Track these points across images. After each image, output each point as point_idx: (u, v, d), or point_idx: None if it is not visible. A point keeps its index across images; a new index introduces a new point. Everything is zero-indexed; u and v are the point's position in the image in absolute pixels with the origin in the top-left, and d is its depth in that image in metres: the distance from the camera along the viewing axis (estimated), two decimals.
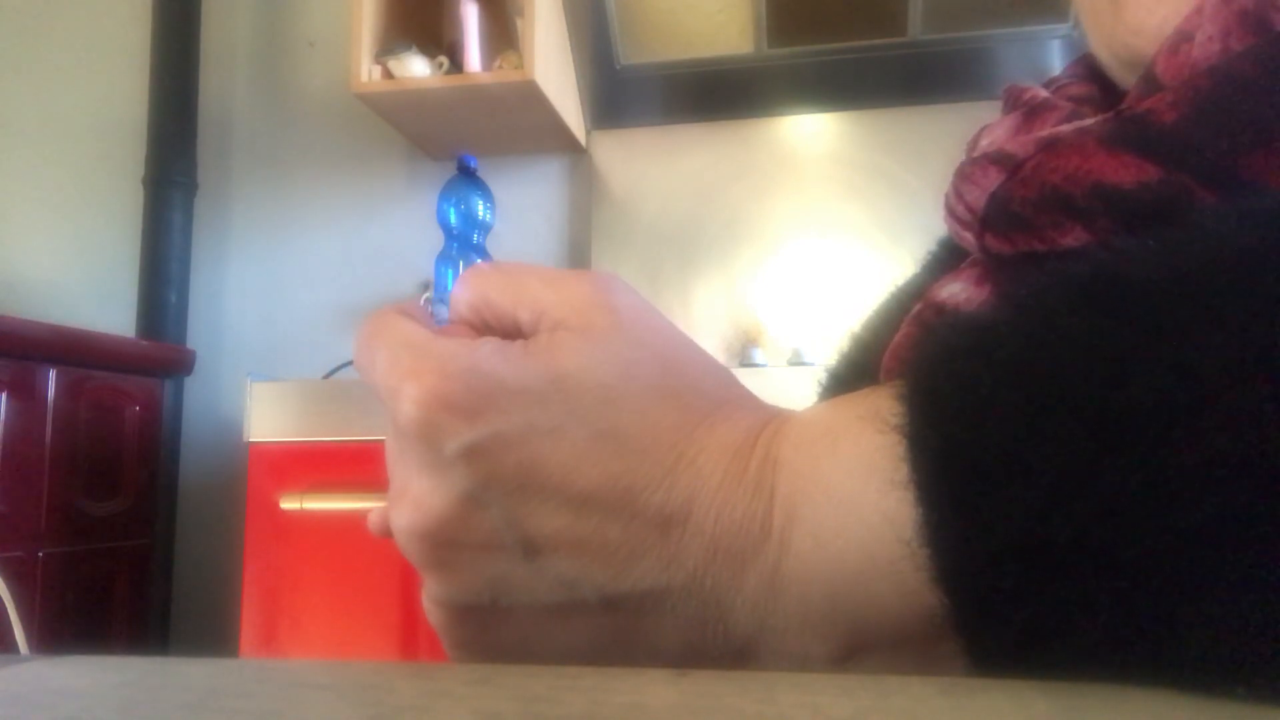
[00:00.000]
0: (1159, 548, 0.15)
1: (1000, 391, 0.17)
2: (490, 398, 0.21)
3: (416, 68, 1.56)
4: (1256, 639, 0.15)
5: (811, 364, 1.53)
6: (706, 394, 0.23)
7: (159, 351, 1.71)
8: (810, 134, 1.70)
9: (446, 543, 0.21)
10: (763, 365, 1.56)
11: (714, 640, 0.21)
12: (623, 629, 0.21)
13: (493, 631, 0.22)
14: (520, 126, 1.67)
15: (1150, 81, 0.28)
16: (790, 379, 1.30)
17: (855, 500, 0.19)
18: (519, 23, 1.53)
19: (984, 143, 0.35)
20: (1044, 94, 0.35)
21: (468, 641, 0.23)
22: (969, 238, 0.32)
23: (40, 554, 1.39)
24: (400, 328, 0.23)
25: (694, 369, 0.23)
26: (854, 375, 0.40)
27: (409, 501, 0.22)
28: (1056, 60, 1.59)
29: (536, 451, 0.21)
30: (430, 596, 0.22)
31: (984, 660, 0.18)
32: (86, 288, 1.90)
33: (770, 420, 0.22)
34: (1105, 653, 0.16)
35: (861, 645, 0.19)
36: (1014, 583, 0.16)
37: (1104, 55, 0.35)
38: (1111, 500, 0.16)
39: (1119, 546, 0.16)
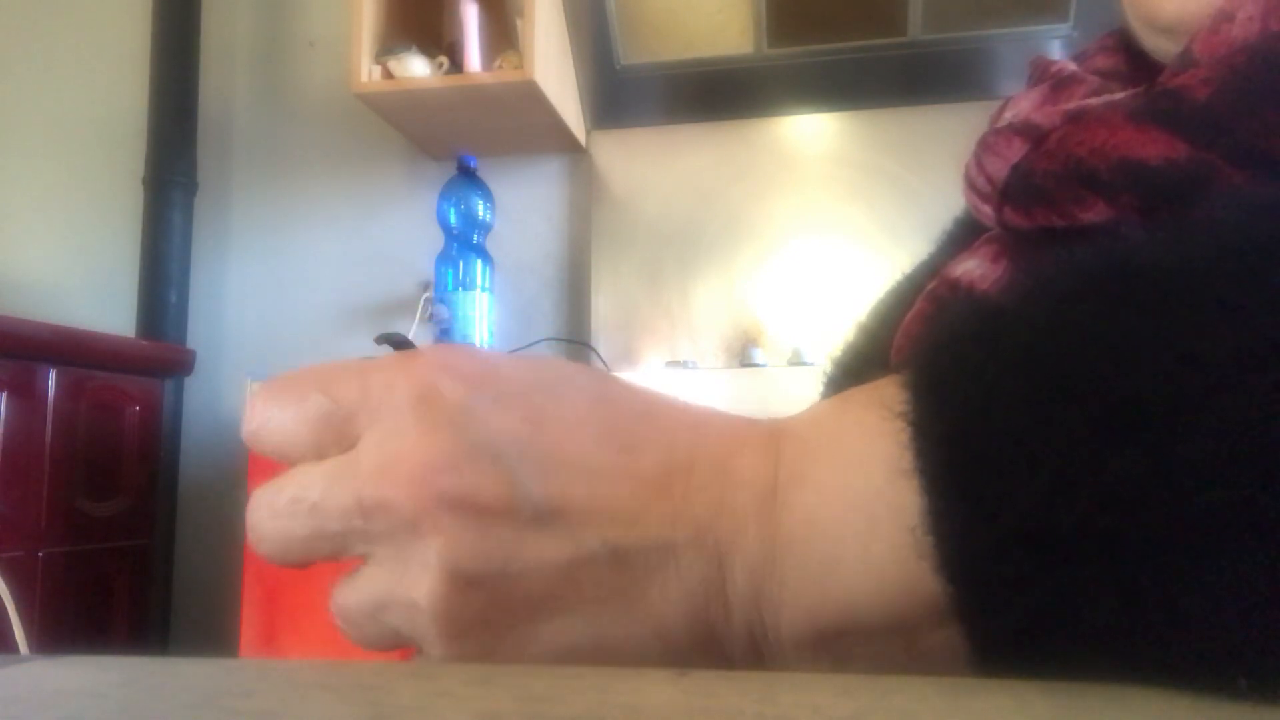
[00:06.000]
0: (1162, 535, 0.15)
1: (1005, 379, 0.17)
2: (491, 371, 0.21)
3: (416, 68, 1.56)
4: (1259, 629, 0.15)
5: (811, 364, 1.53)
6: (692, 404, 0.23)
7: (159, 351, 1.71)
8: (810, 134, 1.70)
9: (455, 500, 0.20)
10: (763, 365, 1.56)
11: (716, 606, 0.20)
12: (630, 594, 0.20)
13: (498, 606, 0.21)
14: (520, 126, 1.67)
15: (1187, 60, 0.28)
16: (790, 379, 1.30)
17: (859, 479, 0.19)
18: (519, 23, 1.53)
19: (1009, 114, 0.34)
20: (1072, 67, 0.35)
21: (470, 618, 0.21)
22: (987, 211, 0.31)
23: (40, 554, 1.39)
24: (335, 362, 0.23)
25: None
26: (860, 365, 0.40)
27: (404, 463, 0.20)
28: None
29: (540, 410, 0.21)
30: (435, 567, 0.20)
31: (985, 649, 0.18)
32: (86, 288, 1.90)
33: (767, 420, 0.23)
34: (1107, 640, 0.16)
35: (850, 627, 0.19)
36: (1016, 570, 0.16)
37: (1133, 17, 0.34)
38: (1115, 487, 0.16)
39: (1122, 534, 0.16)
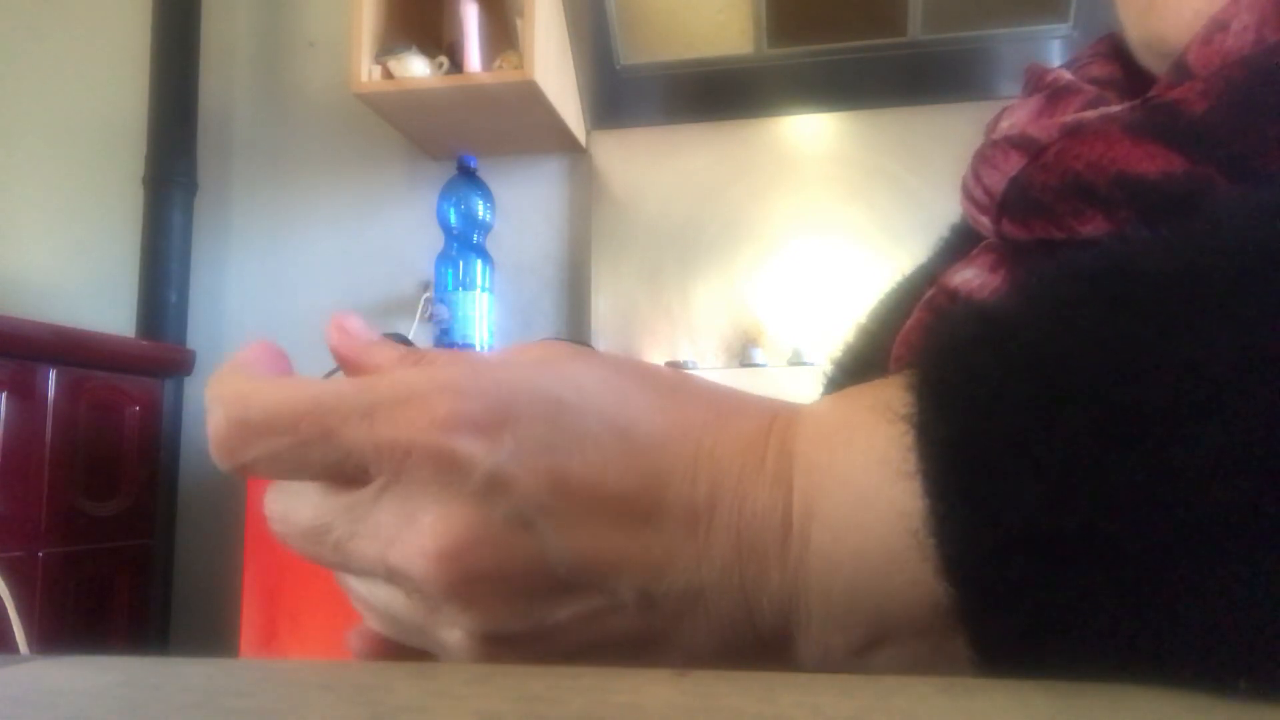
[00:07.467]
0: (1164, 540, 0.15)
1: (1010, 382, 0.17)
2: (510, 409, 0.20)
3: (416, 68, 1.56)
4: (1259, 633, 0.15)
5: (811, 364, 1.53)
6: (709, 395, 0.23)
7: (159, 351, 1.71)
8: (810, 134, 1.70)
9: (484, 574, 0.19)
10: (763, 365, 1.56)
11: (745, 637, 0.20)
12: (660, 632, 0.21)
13: (534, 655, 0.21)
14: (520, 126, 1.66)
15: (1181, 70, 0.28)
16: (790, 379, 1.30)
17: (869, 494, 0.19)
18: (519, 23, 1.53)
19: (1004, 125, 0.34)
20: (1067, 76, 0.35)
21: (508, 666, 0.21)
22: (985, 222, 0.31)
23: (40, 554, 1.39)
24: (318, 391, 0.21)
25: (692, 379, 0.24)
26: (860, 367, 0.40)
27: (429, 539, 0.20)
28: (1056, 61, 1.59)
29: (560, 455, 0.20)
30: (467, 630, 0.20)
31: (987, 653, 0.18)
32: (86, 288, 1.90)
33: (779, 414, 0.22)
34: (1108, 645, 0.16)
35: (882, 637, 0.19)
36: (1018, 573, 0.16)
37: (1133, 37, 0.34)
38: (1118, 492, 0.16)
39: (1124, 539, 0.16)
